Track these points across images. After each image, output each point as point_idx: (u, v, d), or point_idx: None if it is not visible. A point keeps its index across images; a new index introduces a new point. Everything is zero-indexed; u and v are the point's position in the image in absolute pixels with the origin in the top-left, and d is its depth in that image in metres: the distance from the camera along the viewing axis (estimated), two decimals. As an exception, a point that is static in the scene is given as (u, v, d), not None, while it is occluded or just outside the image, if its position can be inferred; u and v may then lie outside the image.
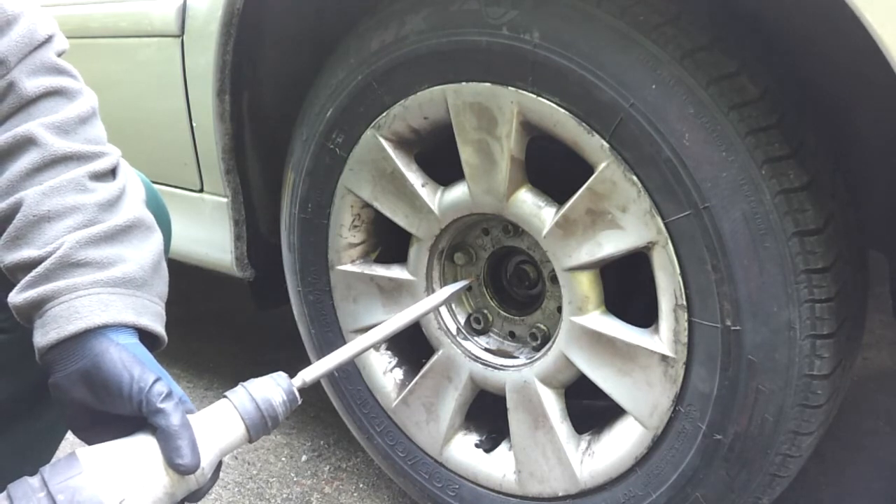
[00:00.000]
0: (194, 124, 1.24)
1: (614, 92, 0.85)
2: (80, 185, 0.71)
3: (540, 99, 0.91)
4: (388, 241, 1.19)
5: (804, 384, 0.85)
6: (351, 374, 1.23)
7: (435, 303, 1.00)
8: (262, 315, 1.50)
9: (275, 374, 0.71)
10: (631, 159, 0.87)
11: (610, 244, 0.91)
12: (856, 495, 1.28)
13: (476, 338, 1.13)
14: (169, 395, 0.64)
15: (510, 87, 0.93)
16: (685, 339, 0.89)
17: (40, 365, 0.68)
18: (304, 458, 1.49)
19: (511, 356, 1.10)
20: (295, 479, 1.42)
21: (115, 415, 0.65)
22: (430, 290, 1.11)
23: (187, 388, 1.77)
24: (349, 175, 1.12)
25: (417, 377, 1.16)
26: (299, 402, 0.71)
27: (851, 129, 0.96)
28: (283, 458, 1.49)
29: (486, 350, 1.11)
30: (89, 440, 0.67)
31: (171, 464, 0.62)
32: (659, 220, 0.87)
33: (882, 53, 0.67)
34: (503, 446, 1.13)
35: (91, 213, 0.70)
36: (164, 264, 0.75)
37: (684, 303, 0.88)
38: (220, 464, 0.68)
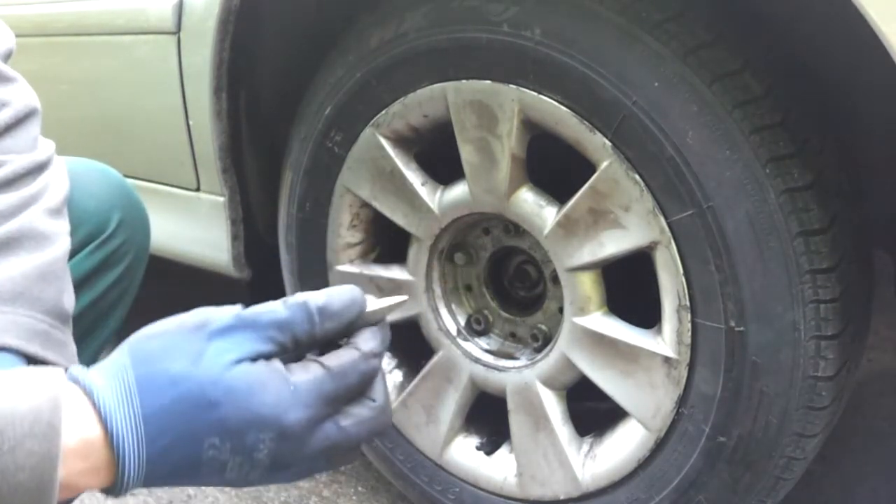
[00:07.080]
0: (191, 122, 1.23)
1: (616, 89, 0.84)
2: None
3: (541, 97, 0.90)
4: (388, 241, 1.18)
5: (809, 386, 0.84)
6: (349, 375, 1.22)
7: None
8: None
9: None
10: (633, 158, 0.86)
11: (612, 244, 0.90)
12: (860, 497, 1.28)
13: (476, 339, 1.12)
14: None
15: (511, 85, 0.92)
16: (688, 341, 0.88)
17: None
18: (302, 459, 1.48)
19: (512, 357, 1.09)
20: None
21: None
22: (429, 290, 1.10)
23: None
24: (348, 174, 1.11)
25: (417, 379, 1.15)
26: None
27: (856, 127, 0.95)
28: (281, 460, 1.47)
29: (487, 351, 1.10)
30: None
31: None
32: (662, 219, 0.86)
33: (886, 51, 0.66)
34: (504, 449, 1.12)
35: None
36: (64, 274, 0.70)
37: (687, 303, 0.87)
38: None
